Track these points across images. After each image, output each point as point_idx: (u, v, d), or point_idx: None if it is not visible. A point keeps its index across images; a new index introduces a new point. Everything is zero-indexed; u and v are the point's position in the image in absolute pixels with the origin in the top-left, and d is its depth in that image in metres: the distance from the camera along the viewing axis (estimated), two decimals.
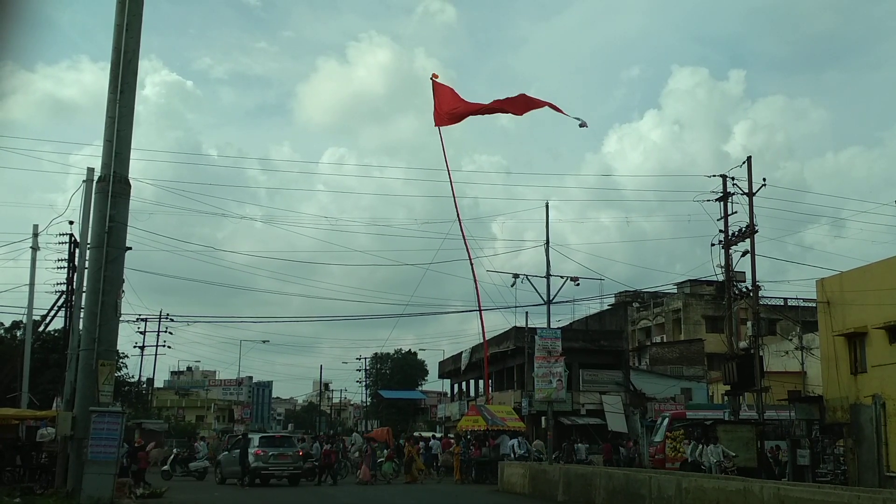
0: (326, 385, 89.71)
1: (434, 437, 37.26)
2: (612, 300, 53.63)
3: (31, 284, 29.83)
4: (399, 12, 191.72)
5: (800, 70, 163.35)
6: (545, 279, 32.82)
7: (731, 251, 28.24)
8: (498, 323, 75.90)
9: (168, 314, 51.77)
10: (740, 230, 27.98)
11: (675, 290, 52.59)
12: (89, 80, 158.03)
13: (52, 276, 32.73)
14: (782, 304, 46.52)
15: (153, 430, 39.02)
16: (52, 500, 16.34)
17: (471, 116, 28.42)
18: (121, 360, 45.97)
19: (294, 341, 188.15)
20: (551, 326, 33.54)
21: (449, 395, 59.95)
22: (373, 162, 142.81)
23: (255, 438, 27.94)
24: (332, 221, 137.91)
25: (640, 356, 49.24)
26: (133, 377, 54.17)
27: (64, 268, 32.14)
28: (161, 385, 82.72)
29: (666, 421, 30.45)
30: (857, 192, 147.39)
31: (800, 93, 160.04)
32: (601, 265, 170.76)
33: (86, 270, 20.61)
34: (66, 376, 22.51)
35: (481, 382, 47.43)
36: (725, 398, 30.70)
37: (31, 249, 29.85)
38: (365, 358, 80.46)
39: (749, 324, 30.40)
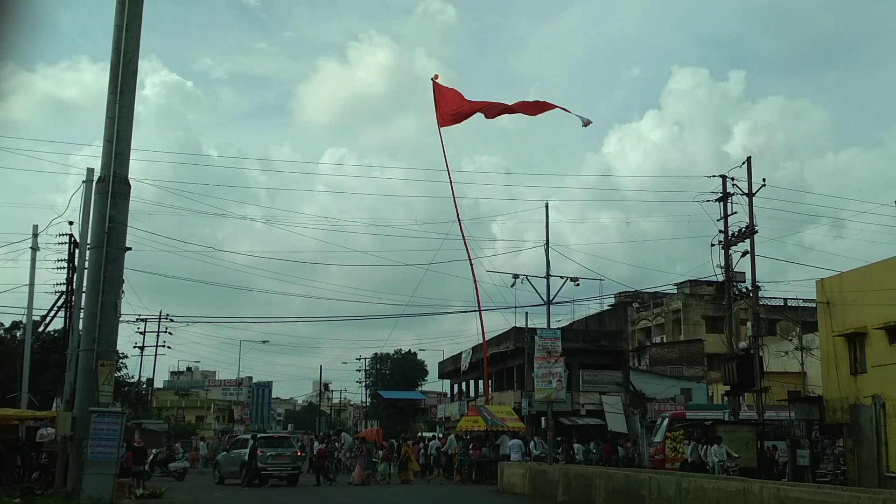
0: (326, 385, 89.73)
1: (436, 437, 37.23)
2: (612, 300, 53.63)
3: (31, 285, 29.85)
4: (399, 12, 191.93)
5: (800, 70, 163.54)
6: (545, 279, 32.87)
7: (730, 251, 28.25)
8: (498, 323, 75.89)
9: (168, 314, 51.81)
10: (740, 230, 27.99)
11: (675, 291, 52.59)
12: (89, 80, 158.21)
13: (51, 277, 32.77)
14: (782, 304, 46.54)
15: (153, 431, 38.98)
16: (52, 500, 16.35)
17: (472, 116, 28.42)
18: (120, 361, 45.98)
19: (294, 342, 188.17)
20: (551, 327, 33.53)
21: (449, 396, 59.95)
22: (373, 162, 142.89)
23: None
24: (333, 222, 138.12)
25: (639, 356, 49.22)
26: (133, 377, 54.22)
27: (64, 268, 32.15)
28: (161, 385, 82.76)
29: (666, 421, 30.45)
30: (856, 193, 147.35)
31: (800, 93, 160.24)
32: (601, 265, 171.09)
33: (85, 271, 20.61)
34: (65, 377, 22.50)
35: (481, 383, 47.43)
36: (725, 398, 30.70)
37: (30, 250, 29.86)
38: (365, 358, 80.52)
39: (749, 324, 30.42)
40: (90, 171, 23.11)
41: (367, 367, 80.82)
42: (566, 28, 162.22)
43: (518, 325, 38.94)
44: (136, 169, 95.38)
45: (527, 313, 36.91)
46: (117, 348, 23.75)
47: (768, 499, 13.09)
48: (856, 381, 26.86)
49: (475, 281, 32.11)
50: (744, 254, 28.00)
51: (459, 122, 28.67)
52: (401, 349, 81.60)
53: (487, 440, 30.82)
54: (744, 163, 28.50)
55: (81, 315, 20.34)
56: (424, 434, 40.90)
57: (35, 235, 29.82)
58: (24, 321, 33.39)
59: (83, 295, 21.39)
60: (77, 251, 28.32)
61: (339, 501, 21.21)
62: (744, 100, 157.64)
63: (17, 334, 40.44)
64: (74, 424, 17.00)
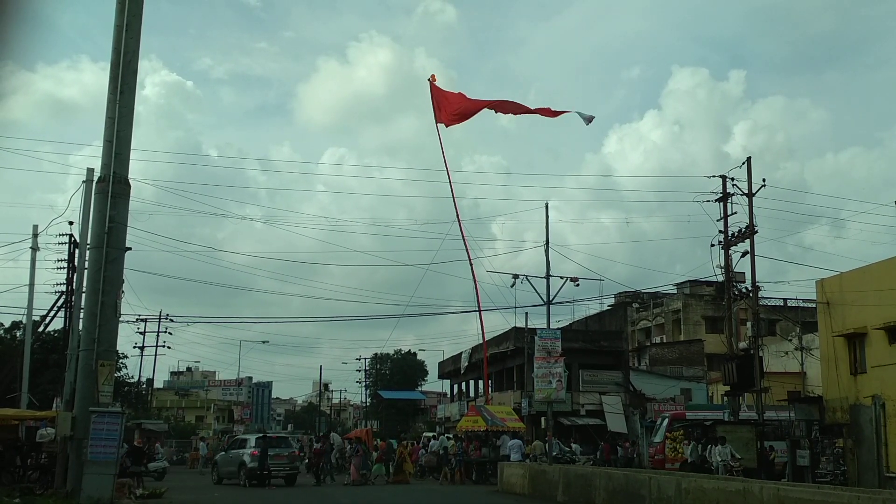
0: (326, 385, 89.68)
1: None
2: (612, 301, 53.65)
3: (31, 285, 29.84)
4: (399, 12, 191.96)
5: (800, 70, 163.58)
6: (545, 279, 32.86)
7: (730, 252, 28.24)
8: (498, 323, 76.02)
9: (168, 314, 51.81)
10: (740, 231, 27.98)
11: (675, 291, 52.60)
12: (89, 80, 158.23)
13: (51, 277, 32.79)
14: (782, 304, 46.53)
15: (153, 431, 38.98)
16: (52, 500, 16.34)
17: (472, 116, 28.46)
18: (120, 361, 45.99)
19: (294, 342, 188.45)
20: (551, 327, 33.54)
21: (449, 396, 59.95)
22: (373, 162, 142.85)
23: (252, 439, 28.02)
24: (333, 222, 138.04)
25: (639, 357, 49.23)
26: (133, 377, 54.21)
27: (64, 268, 32.17)
28: (161, 385, 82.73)
29: (666, 421, 30.46)
30: (856, 193, 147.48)
31: (800, 93, 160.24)
32: (601, 266, 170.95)
33: (85, 271, 20.60)
34: (65, 377, 22.51)
35: (481, 383, 47.43)
36: (725, 399, 30.70)
37: (30, 250, 29.86)
38: (365, 358, 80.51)
39: (749, 324, 30.41)
40: (90, 171, 23.11)
41: (367, 368, 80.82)
42: (566, 28, 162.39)
43: (518, 325, 38.96)
44: (136, 169, 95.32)
45: (527, 313, 36.96)
46: (117, 348, 23.74)
47: (768, 499, 13.09)
48: (856, 381, 26.87)
49: (475, 281, 32.16)
50: (744, 254, 28.00)
51: (465, 119, 28.59)
52: (401, 349, 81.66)
53: (488, 440, 30.82)
54: (744, 163, 28.50)
55: (81, 315, 20.33)
56: (427, 434, 40.73)
57: (35, 235, 29.82)
58: (24, 321, 33.39)
59: (83, 295, 21.38)
60: (77, 251, 28.32)
61: (338, 501, 21.22)
62: (744, 100, 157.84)
63: (17, 334, 40.43)
64: (74, 424, 17.00)
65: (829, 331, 28.10)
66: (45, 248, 31.45)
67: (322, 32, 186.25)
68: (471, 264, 31.65)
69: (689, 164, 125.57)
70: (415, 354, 78.92)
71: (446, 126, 28.75)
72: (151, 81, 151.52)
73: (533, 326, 36.43)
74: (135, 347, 53.44)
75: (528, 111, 27.39)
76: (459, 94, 28.85)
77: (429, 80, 28.78)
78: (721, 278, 28.70)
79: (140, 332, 52.64)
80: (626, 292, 53.07)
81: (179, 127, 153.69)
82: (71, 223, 29.93)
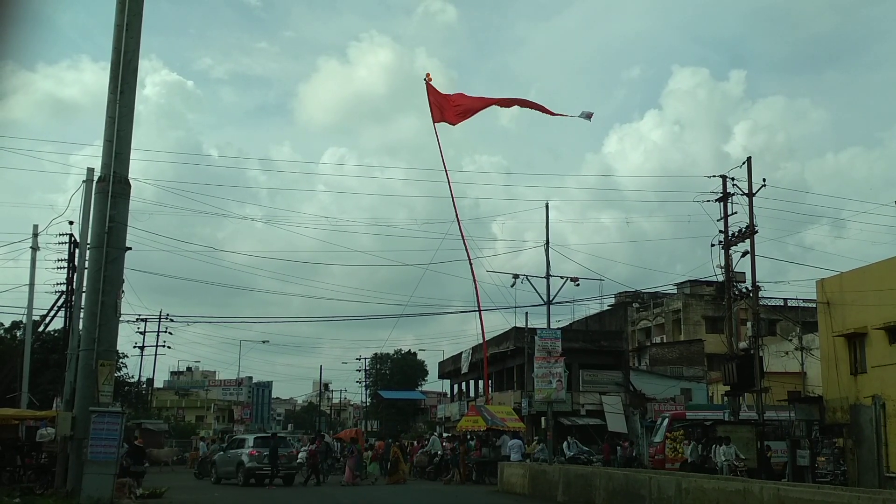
0: (326, 385, 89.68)
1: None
2: (612, 300, 53.66)
3: (31, 284, 29.84)
4: (399, 12, 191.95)
5: (800, 70, 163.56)
6: (545, 279, 32.88)
7: (731, 252, 28.24)
8: (498, 323, 75.95)
9: (168, 314, 51.86)
10: (740, 230, 27.98)
11: (675, 291, 52.59)
12: (90, 79, 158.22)
13: (51, 277, 32.82)
14: (782, 304, 46.51)
15: (153, 431, 39.00)
16: (52, 500, 16.34)
17: (478, 112, 28.45)
18: (120, 361, 46.00)
19: (294, 341, 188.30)
20: (551, 327, 33.57)
21: (449, 396, 59.95)
22: (374, 162, 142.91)
23: (250, 439, 28.05)
24: (333, 222, 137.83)
25: (639, 356, 49.22)
26: (133, 377, 54.25)
27: (64, 268, 32.19)
28: (161, 385, 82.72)
29: (666, 421, 30.44)
30: (857, 193, 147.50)
31: (800, 93, 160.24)
32: (601, 265, 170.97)
33: (86, 270, 20.60)
34: (65, 376, 22.50)
35: (481, 383, 47.43)
36: (725, 399, 30.69)
37: (31, 249, 29.85)
38: (365, 358, 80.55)
39: (749, 324, 30.41)
40: (90, 170, 23.10)
41: (367, 367, 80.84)
42: (566, 28, 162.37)
43: (518, 325, 38.95)
44: (137, 168, 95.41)
45: (527, 313, 36.96)
46: (117, 348, 23.74)
47: (768, 499, 13.08)
48: (856, 381, 26.87)
49: (475, 281, 32.12)
50: (744, 254, 28.00)
51: (470, 116, 28.50)
52: (401, 349, 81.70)
53: (488, 440, 30.81)
54: (744, 163, 28.50)
55: (81, 315, 20.32)
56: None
57: (35, 235, 29.82)
58: (24, 321, 33.40)
59: (83, 295, 21.37)
60: (77, 251, 28.33)
61: (338, 501, 21.21)
62: (744, 100, 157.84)
63: (18, 334, 40.45)
64: (74, 424, 16.99)
65: (829, 331, 28.09)
66: (46, 248, 31.51)
67: (322, 32, 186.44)
68: (470, 264, 31.66)
69: (690, 163, 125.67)
70: (415, 354, 78.99)
71: (452, 124, 28.68)
72: (152, 81, 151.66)
73: (533, 326, 36.45)
74: (135, 347, 53.55)
75: (530, 105, 27.54)
76: (459, 94, 28.81)
77: (424, 79, 28.67)
78: (721, 278, 28.70)
79: (140, 332, 52.73)
80: (626, 292, 53.07)
81: (180, 126, 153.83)
82: (71, 223, 29.97)
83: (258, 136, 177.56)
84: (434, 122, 28.51)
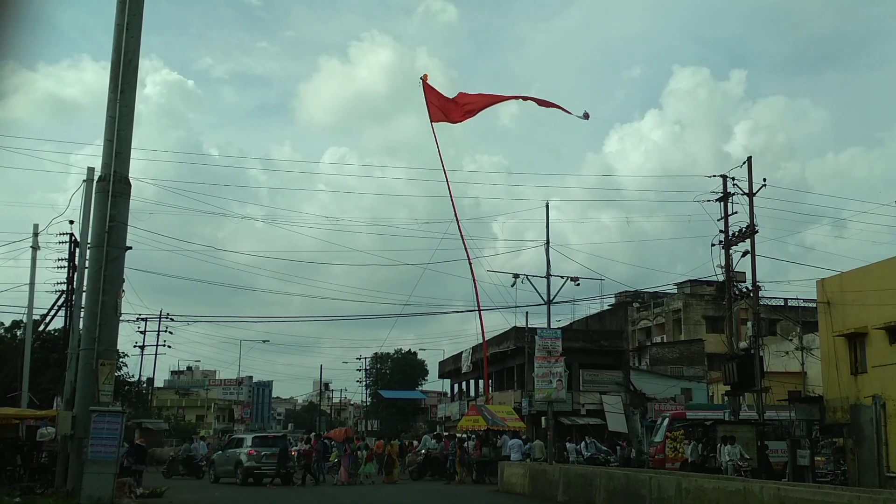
0: (326, 385, 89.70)
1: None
2: (613, 300, 53.68)
3: (32, 284, 29.84)
4: (399, 12, 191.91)
5: (800, 70, 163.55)
6: (545, 279, 32.84)
7: (731, 251, 28.23)
8: (498, 323, 75.96)
9: (168, 314, 51.86)
10: (741, 230, 27.98)
11: (676, 291, 52.57)
12: (90, 79, 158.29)
13: (52, 276, 32.83)
14: (782, 304, 46.51)
15: (153, 430, 39.02)
16: (53, 499, 16.33)
17: (479, 112, 28.42)
18: (121, 360, 46.01)
19: (294, 341, 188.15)
20: (551, 326, 33.52)
21: (449, 395, 59.94)
22: (374, 162, 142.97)
23: (249, 438, 28.07)
24: (334, 221, 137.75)
25: (640, 356, 49.22)
26: (133, 377, 54.25)
27: (64, 267, 32.19)
28: (161, 385, 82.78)
29: (666, 421, 30.43)
30: (857, 193, 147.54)
31: (800, 93, 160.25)
32: (602, 265, 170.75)
33: (86, 270, 20.60)
34: (66, 376, 22.51)
35: (481, 382, 47.43)
36: (725, 398, 30.70)
37: (31, 249, 29.85)
38: (365, 358, 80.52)
39: (749, 324, 30.40)
40: (91, 170, 23.11)
41: (368, 367, 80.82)
42: (567, 28, 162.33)
43: (518, 324, 38.93)
44: (137, 168, 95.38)
45: (527, 313, 36.93)
46: (118, 347, 23.72)
47: (768, 499, 13.08)
48: (856, 381, 26.87)
49: (474, 280, 32.09)
50: (744, 254, 27.99)
51: (477, 113, 28.37)
52: (401, 349, 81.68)
53: (487, 440, 30.80)
54: (744, 163, 28.49)
55: (82, 314, 20.32)
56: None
57: (35, 234, 29.82)
58: (24, 320, 33.39)
59: (83, 294, 21.37)
60: (77, 250, 28.33)
61: (338, 501, 21.21)
62: (745, 100, 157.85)
63: (18, 333, 40.44)
64: (75, 423, 16.98)
65: (829, 330, 28.09)
66: (46, 248, 31.50)
67: (323, 32, 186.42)
68: (470, 264, 31.63)
69: (690, 163, 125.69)
70: (415, 354, 78.96)
71: (454, 123, 28.55)
72: (152, 80, 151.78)
73: (533, 326, 36.42)
74: (135, 347, 53.58)
75: (535, 100, 27.68)
76: (461, 94, 28.72)
77: (421, 78, 28.48)
78: (722, 278, 28.70)
79: (141, 332, 52.77)
80: (626, 292, 53.07)
81: (180, 126, 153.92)
82: (71, 222, 29.98)
83: (259, 136, 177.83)
84: (432, 122, 28.36)
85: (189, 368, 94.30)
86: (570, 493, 19.53)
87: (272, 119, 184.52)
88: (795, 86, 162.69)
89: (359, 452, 28.16)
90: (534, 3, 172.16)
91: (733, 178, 28.40)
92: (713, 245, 28.53)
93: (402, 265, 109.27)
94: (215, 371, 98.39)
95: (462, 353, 49.73)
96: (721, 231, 28.36)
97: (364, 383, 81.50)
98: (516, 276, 33.04)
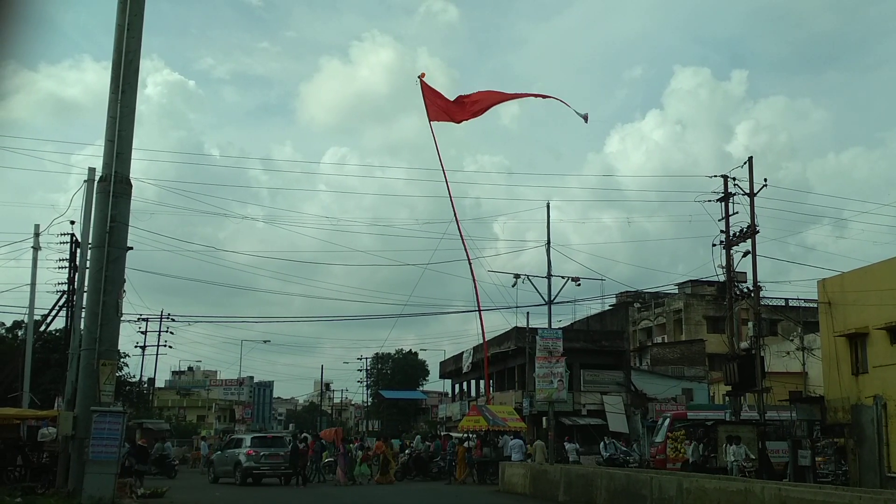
0: (327, 385, 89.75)
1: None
2: (614, 300, 53.68)
3: (33, 284, 29.88)
4: (400, 12, 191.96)
5: (801, 70, 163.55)
6: (546, 279, 32.82)
7: (732, 251, 28.22)
8: (499, 323, 76.00)
9: (169, 314, 51.86)
10: (742, 230, 27.96)
11: (677, 291, 52.57)
12: (91, 79, 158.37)
13: (53, 276, 32.90)
14: (783, 304, 46.51)
15: (153, 430, 39.02)
16: (54, 499, 16.33)
17: (486, 111, 28.44)
18: (122, 360, 46.07)
19: (295, 341, 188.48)
20: (552, 326, 33.51)
21: (450, 396, 59.94)
22: (375, 162, 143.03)
23: (248, 438, 28.09)
24: (334, 221, 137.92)
25: (641, 356, 49.22)
26: (134, 377, 54.35)
27: (65, 267, 32.21)
28: (162, 385, 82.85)
29: (667, 421, 30.43)
30: (858, 193, 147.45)
31: (801, 93, 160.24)
32: (603, 265, 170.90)
33: (87, 270, 20.60)
34: (67, 376, 22.49)
35: (482, 382, 47.41)
36: (726, 399, 30.68)
37: (32, 249, 29.90)
38: (366, 358, 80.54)
39: (750, 324, 30.38)
40: (92, 170, 23.12)
41: (369, 367, 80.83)
42: (567, 28, 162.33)
43: (519, 325, 38.90)
44: (138, 168, 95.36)
45: (528, 313, 36.89)
46: (119, 348, 23.76)
47: (769, 499, 13.07)
48: (857, 381, 26.83)
49: (474, 281, 32.02)
50: (745, 254, 27.97)
51: (484, 112, 28.26)
52: (402, 349, 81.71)
53: (488, 440, 30.79)
54: (745, 163, 28.47)
55: (83, 314, 20.32)
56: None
57: (37, 235, 29.85)
58: (25, 320, 33.43)
59: (84, 294, 21.38)
60: (78, 251, 28.34)
61: (339, 501, 21.20)
62: (746, 100, 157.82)
63: (19, 333, 40.49)
64: (76, 424, 16.98)
65: (830, 331, 28.06)
66: (47, 248, 31.56)
67: (323, 32, 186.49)
68: (469, 264, 31.54)
69: (691, 163, 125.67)
70: (416, 354, 78.98)
71: (457, 122, 28.48)
72: (153, 81, 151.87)
73: (534, 326, 36.40)
74: (136, 347, 53.59)
75: (540, 96, 27.86)
76: (461, 95, 28.68)
77: (418, 77, 28.36)
78: (723, 278, 28.68)
79: (142, 332, 52.76)
80: (627, 292, 53.07)
81: (181, 126, 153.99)
82: (72, 222, 30.02)
83: (259, 136, 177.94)
84: (430, 121, 28.19)
85: (190, 369, 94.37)
86: (571, 493, 19.53)
87: (273, 119, 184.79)
88: (796, 86, 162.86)
89: (354, 453, 28.15)
90: (534, 3, 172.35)
91: (734, 179, 28.40)
92: (714, 245, 28.54)
93: (403, 265, 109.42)
94: (216, 371, 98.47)
95: (463, 353, 49.72)
96: (722, 231, 28.35)
97: (365, 383, 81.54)
98: (517, 276, 33.04)
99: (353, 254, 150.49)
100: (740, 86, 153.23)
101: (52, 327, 36.45)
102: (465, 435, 31.84)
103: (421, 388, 78.34)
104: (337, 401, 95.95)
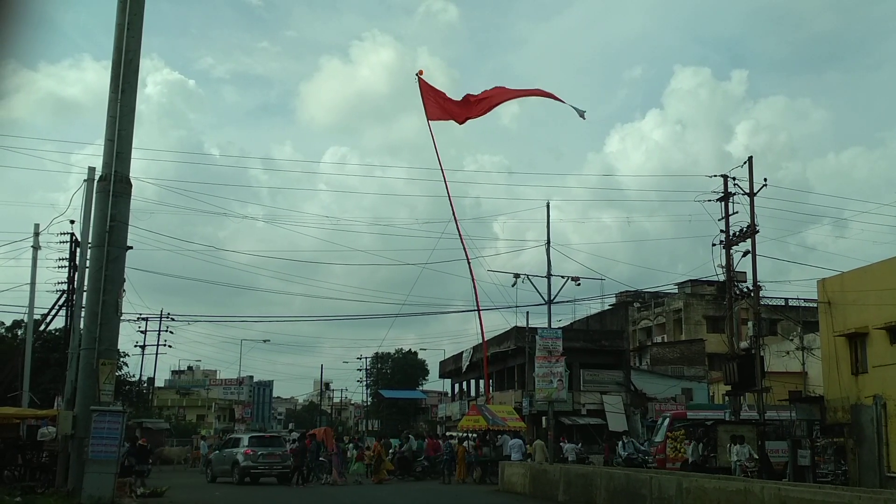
0: (327, 385, 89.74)
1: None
2: (613, 300, 53.71)
3: (33, 283, 29.86)
4: (400, 12, 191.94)
5: (801, 70, 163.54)
6: (546, 279, 32.83)
7: (732, 251, 28.22)
8: (499, 323, 76.00)
9: (169, 313, 51.87)
10: (741, 230, 27.96)
11: (676, 290, 52.59)
12: (92, 78, 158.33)
13: (53, 276, 32.86)
14: (783, 304, 46.52)
15: (153, 430, 39.02)
16: (53, 499, 16.33)
17: (486, 111, 28.35)
18: (122, 360, 46.05)
19: (295, 341, 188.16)
20: (552, 326, 33.54)
21: (450, 395, 59.94)
22: (375, 161, 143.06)
23: (245, 438, 28.08)
24: (335, 221, 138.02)
25: (640, 356, 49.23)
26: (134, 376, 54.31)
27: (65, 267, 32.20)
28: (162, 384, 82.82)
29: (667, 421, 30.43)
30: (858, 193, 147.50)
31: (801, 93, 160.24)
32: (602, 265, 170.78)
33: (87, 270, 20.60)
34: (66, 375, 22.50)
35: (482, 382, 47.42)
36: (726, 398, 30.69)
37: (32, 248, 29.88)
38: (366, 357, 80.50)
39: (750, 324, 30.40)
40: (92, 169, 23.11)
41: (368, 367, 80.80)
42: (567, 27, 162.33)
43: (519, 324, 38.91)
44: (138, 168, 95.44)
45: (528, 313, 36.92)
46: (118, 347, 23.74)
47: (769, 499, 13.07)
48: (857, 381, 26.84)
49: (473, 280, 32.01)
50: (745, 254, 27.98)
51: (488, 111, 28.13)
52: (402, 348, 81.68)
53: (487, 440, 30.80)
54: (745, 162, 28.48)
55: (82, 314, 20.31)
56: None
57: (36, 234, 29.84)
58: (25, 320, 33.42)
59: (84, 294, 21.37)
60: (78, 250, 28.33)
61: (339, 501, 21.20)
62: (746, 100, 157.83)
63: (19, 333, 40.46)
64: (75, 423, 16.98)
65: (830, 330, 28.06)
66: (47, 247, 31.55)
67: (323, 32, 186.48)
68: (468, 264, 31.54)
69: (691, 163, 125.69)
70: (416, 354, 78.96)
71: (459, 122, 28.37)
72: (153, 80, 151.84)
73: (534, 326, 36.41)
74: (136, 346, 53.60)
75: (543, 94, 27.77)
76: (467, 96, 28.57)
77: (416, 75, 28.25)
78: (722, 278, 28.69)
79: (141, 331, 52.78)
80: (627, 292, 53.08)
81: (181, 126, 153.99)
82: (72, 222, 30.03)
83: (260, 136, 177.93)
84: (428, 120, 28.06)
85: (190, 368, 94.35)
86: (570, 492, 19.53)
87: (273, 119, 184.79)
88: (796, 86, 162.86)
89: (350, 452, 28.18)
90: (534, 3, 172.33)
91: (734, 178, 28.41)
92: (714, 245, 28.55)
93: (403, 265, 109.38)
94: (216, 371, 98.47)
95: (462, 352, 49.71)
96: (722, 231, 28.36)
97: (365, 383, 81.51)
98: (517, 275, 33.05)
99: (354, 253, 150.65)
100: (740, 86, 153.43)
101: (51, 327, 36.51)
102: (465, 434, 31.87)
103: (420, 388, 78.31)
104: (336, 400, 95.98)
